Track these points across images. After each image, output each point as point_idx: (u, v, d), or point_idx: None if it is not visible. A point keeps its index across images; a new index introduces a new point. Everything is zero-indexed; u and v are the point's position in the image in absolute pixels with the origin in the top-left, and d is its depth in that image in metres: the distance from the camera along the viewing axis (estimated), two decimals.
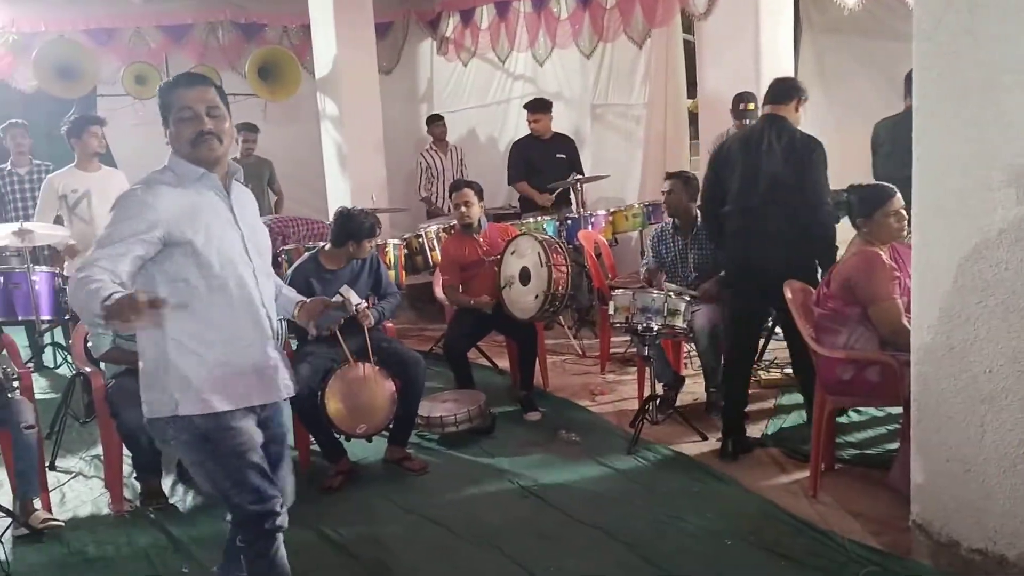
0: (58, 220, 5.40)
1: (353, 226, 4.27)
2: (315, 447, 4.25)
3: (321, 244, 4.66)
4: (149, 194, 2.35)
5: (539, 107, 7.01)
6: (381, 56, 8.38)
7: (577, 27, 7.78)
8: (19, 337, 5.38)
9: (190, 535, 3.60)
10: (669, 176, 5.01)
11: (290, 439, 2.73)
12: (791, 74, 6.61)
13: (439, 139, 8.11)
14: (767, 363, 5.35)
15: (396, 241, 6.02)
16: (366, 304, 4.30)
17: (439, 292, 5.34)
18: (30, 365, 5.92)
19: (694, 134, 7.57)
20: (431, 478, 4.11)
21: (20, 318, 5.06)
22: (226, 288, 2.41)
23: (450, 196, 5.18)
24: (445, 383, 5.15)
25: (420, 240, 6.06)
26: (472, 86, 9.04)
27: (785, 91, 4.10)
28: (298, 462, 4.31)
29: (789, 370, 5.11)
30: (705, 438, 4.28)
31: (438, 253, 5.81)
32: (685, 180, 4.88)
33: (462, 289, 5.07)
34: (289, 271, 4.46)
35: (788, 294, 3.77)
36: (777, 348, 5.62)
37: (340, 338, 4.10)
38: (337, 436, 4.10)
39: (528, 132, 7.16)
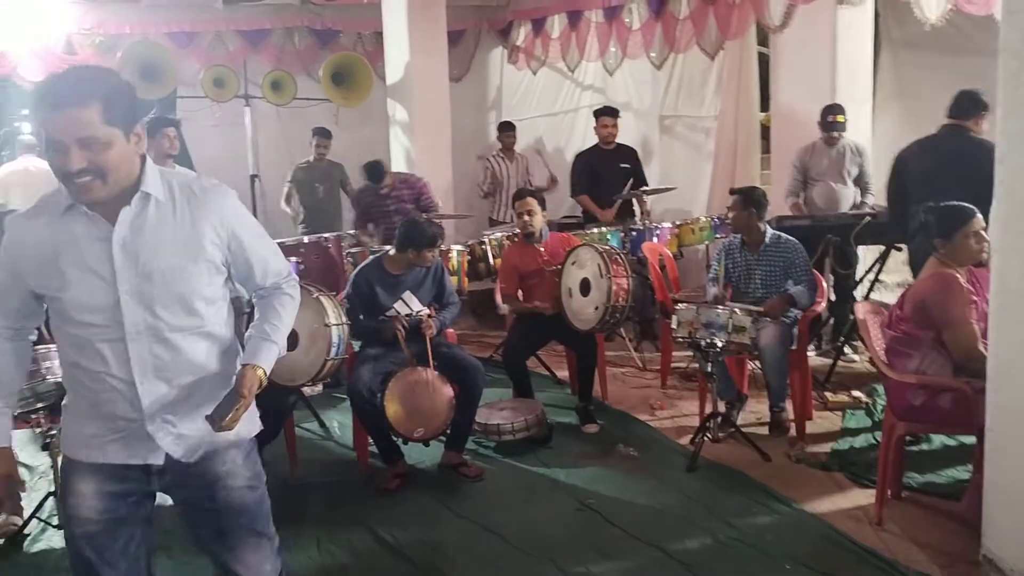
0: None
1: (415, 233, 4.31)
2: (373, 449, 4.28)
3: (387, 248, 4.70)
4: (13, 229, 1.98)
5: (610, 112, 6.97)
6: (452, 64, 8.46)
7: (649, 37, 7.73)
8: None
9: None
10: (733, 192, 4.93)
11: (262, 506, 2.22)
12: (869, 89, 6.50)
13: (507, 147, 8.13)
14: (835, 384, 5.23)
15: (460, 247, 6.05)
16: (428, 312, 4.33)
17: (500, 300, 5.34)
18: None
19: (765, 148, 7.46)
20: (486, 485, 4.10)
21: None
22: (78, 366, 1.98)
23: (513, 205, 5.18)
24: (503, 391, 5.15)
25: (483, 247, 6.08)
26: (540, 95, 9.06)
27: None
28: (357, 463, 4.38)
29: (856, 392, 5.02)
30: (768, 459, 4.19)
31: (500, 260, 5.82)
32: (750, 196, 4.78)
33: (523, 297, 5.07)
34: (352, 274, 4.52)
35: (859, 315, 3.68)
36: (844, 370, 5.51)
37: (402, 342, 4.13)
38: (395, 439, 4.13)
39: (593, 143, 7.13)
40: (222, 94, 7.70)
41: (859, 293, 5.74)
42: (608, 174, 6.83)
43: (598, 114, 7.03)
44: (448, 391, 4.15)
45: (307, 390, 4.87)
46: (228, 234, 2.04)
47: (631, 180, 6.78)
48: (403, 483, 4.09)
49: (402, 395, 4.08)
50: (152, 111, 7.57)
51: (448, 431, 4.21)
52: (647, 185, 6.85)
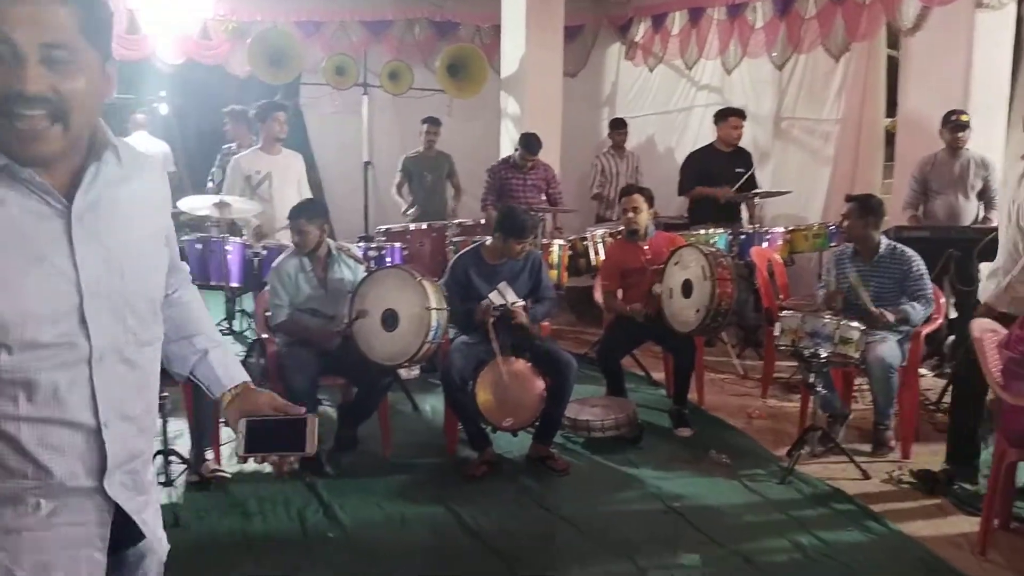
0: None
1: (509, 223, 4.32)
2: (463, 435, 4.33)
3: (486, 238, 4.74)
4: None
5: (740, 114, 6.76)
6: (568, 59, 8.46)
7: (771, 37, 7.52)
8: (216, 301, 5.81)
9: (340, 503, 3.76)
10: (849, 199, 4.74)
11: None
12: (1004, 100, 6.15)
13: (618, 144, 8.07)
14: (946, 405, 4.97)
15: (561, 242, 6.04)
16: (523, 303, 4.35)
17: (599, 296, 5.31)
18: (221, 327, 6.41)
19: (889, 155, 7.15)
20: (572, 480, 4.10)
21: (213, 283, 5.48)
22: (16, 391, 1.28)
23: (620, 200, 5.14)
24: (596, 388, 5.12)
25: (585, 243, 6.05)
26: (656, 93, 8.94)
27: None
28: (446, 447, 4.45)
29: None
30: (867, 476, 4.03)
31: (602, 257, 5.79)
32: (866, 204, 4.57)
33: (622, 296, 5.02)
34: (451, 261, 4.57)
35: (975, 333, 3.49)
36: None
37: (492, 332, 4.16)
38: (484, 427, 4.17)
39: (708, 143, 6.98)
40: (342, 82, 7.92)
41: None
42: (721, 177, 6.65)
43: (727, 114, 6.81)
44: (540, 384, 4.16)
45: (404, 373, 4.97)
46: (168, 216, 1.56)
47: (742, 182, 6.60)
48: (490, 471, 4.12)
49: (494, 384, 4.11)
50: (276, 96, 7.90)
51: (537, 423, 4.22)
52: (759, 189, 6.66)
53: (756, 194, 6.26)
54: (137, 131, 9.14)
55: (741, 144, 6.95)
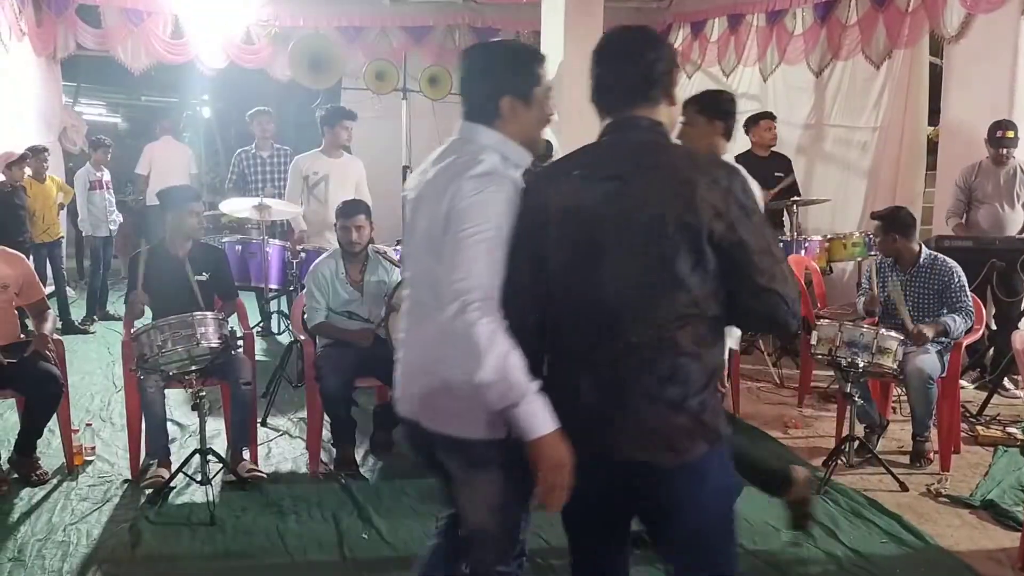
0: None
1: None
2: None
3: None
4: None
5: (772, 116, 6.67)
6: None
7: (811, 43, 7.47)
8: (251, 302, 5.90)
9: (374, 504, 3.80)
10: (874, 217, 4.68)
11: None
12: None
13: None
14: (987, 418, 4.90)
15: None
16: None
17: None
18: (257, 328, 6.50)
19: (931, 164, 7.05)
20: None
21: (252, 284, 5.57)
22: None
23: None
24: None
25: None
26: None
27: None
28: None
29: (1012, 428, 4.69)
30: (905, 489, 3.98)
31: None
32: (892, 221, 4.49)
33: None
34: None
35: (1017, 345, 3.44)
36: (1000, 404, 5.17)
37: None
38: None
39: (745, 149, 6.91)
40: (382, 87, 7.99)
41: None
42: (761, 182, 6.56)
43: (757, 119, 6.74)
44: None
45: None
46: None
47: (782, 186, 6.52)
48: None
49: None
50: (318, 101, 8.01)
51: None
52: (800, 196, 6.59)
53: (795, 202, 6.19)
54: (163, 136, 9.40)
55: (780, 150, 6.89)
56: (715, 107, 3.23)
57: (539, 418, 1.78)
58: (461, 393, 1.86)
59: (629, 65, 1.94)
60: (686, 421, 1.81)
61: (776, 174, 6.59)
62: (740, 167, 1.99)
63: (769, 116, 6.71)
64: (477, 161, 1.92)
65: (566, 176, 1.94)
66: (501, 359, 1.76)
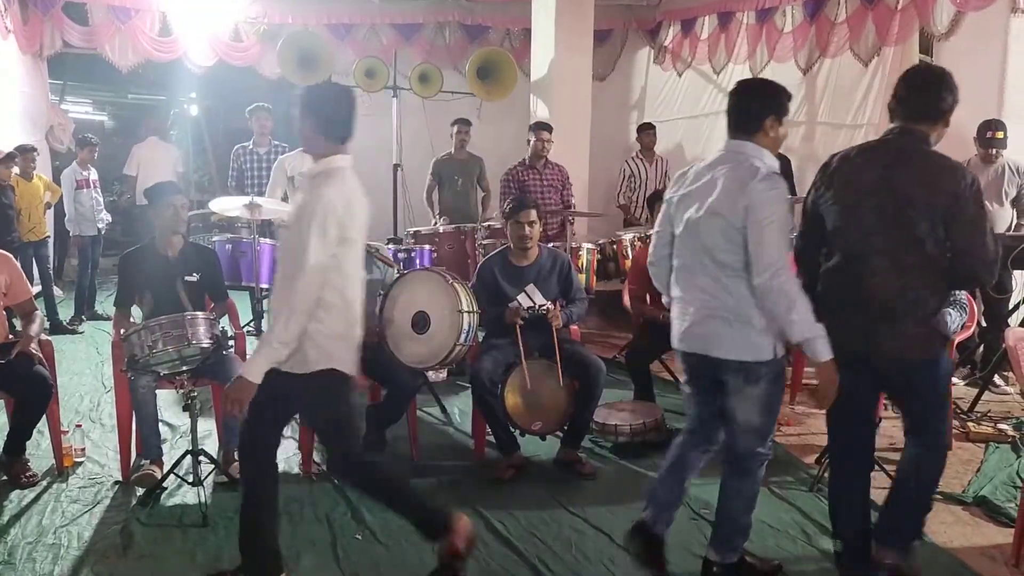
0: (284, 198, 5.86)
1: (508, 207, 4.44)
2: (491, 438, 4.34)
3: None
4: None
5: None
6: (597, 63, 8.46)
7: (800, 41, 7.49)
8: (242, 302, 5.85)
9: (367, 504, 3.77)
10: None
11: None
12: None
13: (647, 148, 8.05)
14: (979, 415, 4.92)
15: (590, 246, 6.04)
16: (551, 306, 4.35)
17: (628, 301, 5.30)
18: (248, 328, 6.46)
19: None
20: (600, 484, 4.09)
21: (243, 283, 5.54)
22: None
23: (653, 205, 5.09)
24: (625, 392, 5.11)
25: (614, 247, 6.04)
26: (684, 97, 8.93)
27: None
28: (474, 450, 4.45)
29: (1003, 424, 4.71)
30: None
31: (631, 261, 5.77)
32: None
33: (650, 301, 5.01)
34: (478, 265, 4.59)
35: (1009, 342, 3.45)
36: (991, 400, 5.20)
37: (519, 336, 4.16)
38: (512, 430, 4.17)
39: None
40: (372, 85, 7.96)
41: (1015, 320, 5.38)
42: None
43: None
44: (569, 388, 4.16)
45: (432, 376, 4.99)
46: None
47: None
48: (517, 474, 4.13)
49: (523, 388, 4.12)
50: None
51: (566, 427, 4.22)
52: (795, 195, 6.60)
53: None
54: (149, 136, 9.38)
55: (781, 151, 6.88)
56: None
57: (824, 350, 2.72)
58: (752, 330, 2.79)
59: (930, 96, 2.86)
60: (928, 332, 2.82)
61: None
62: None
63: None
64: (756, 168, 2.76)
65: (852, 161, 2.91)
66: (804, 306, 2.68)
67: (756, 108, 2.85)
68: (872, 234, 2.80)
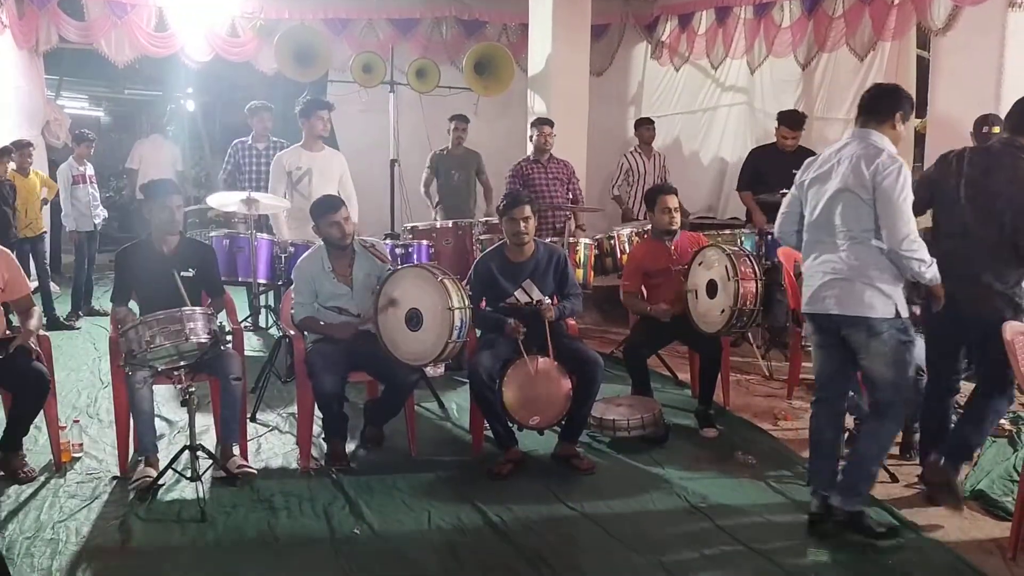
0: (285, 194, 5.84)
1: (502, 203, 4.43)
2: (489, 433, 4.34)
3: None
4: None
5: (797, 124, 6.51)
6: (594, 58, 8.45)
7: (798, 36, 7.48)
8: (240, 297, 5.86)
9: (365, 499, 3.79)
10: None
11: None
12: None
13: (645, 143, 8.05)
14: None
15: (587, 241, 6.03)
16: (548, 302, 4.35)
17: (623, 297, 5.30)
18: (246, 323, 6.46)
19: (918, 156, 7.08)
20: (598, 479, 4.09)
21: (240, 279, 5.53)
22: None
23: (655, 200, 5.02)
24: (622, 387, 5.11)
25: (612, 242, 6.04)
26: (681, 92, 8.93)
27: None
28: (472, 445, 4.46)
29: (1002, 420, 4.71)
30: (895, 480, 4.00)
31: (627, 256, 5.76)
32: None
33: (647, 295, 5.01)
34: (475, 261, 4.59)
35: (1006, 336, 3.45)
36: None
37: (522, 348, 4.17)
38: (511, 425, 4.17)
39: (772, 141, 6.83)
40: (369, 80, 7.95)
41: None
42: (773, 178, 6.43)
43: (789, 126, 6.50)
44: (566, 383, 4.16)
45: (429, 371, 4.99)
46: None
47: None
48: (515, 469, 4.13)
49: (520, 383, 4.12)
50: (304, 94, 7.95)
51: (563, 422, 4.22)
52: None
53: (784, 195, 6.12)
54: (152, 134, 9.39)
55: (771, 141, 6.85)
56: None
57: (937, 280, 3.33)
58: (875, 291, 3.26)
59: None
60: (1008, 299, 3.51)
61: (794, 171, 6.41)
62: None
63: (790, 124, 6.51)
64: (880, 149, 3.29)
65: (964, 158, 3.64)
66: (933, 262, 3.26)
67: (891, 103, 3.37)
68: (969, 221, 3.55)
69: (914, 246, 3.19)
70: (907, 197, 3.21)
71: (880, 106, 3.41)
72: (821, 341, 3.52)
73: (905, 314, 3.31)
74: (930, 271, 3.27)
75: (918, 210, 3.47)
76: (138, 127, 9.60)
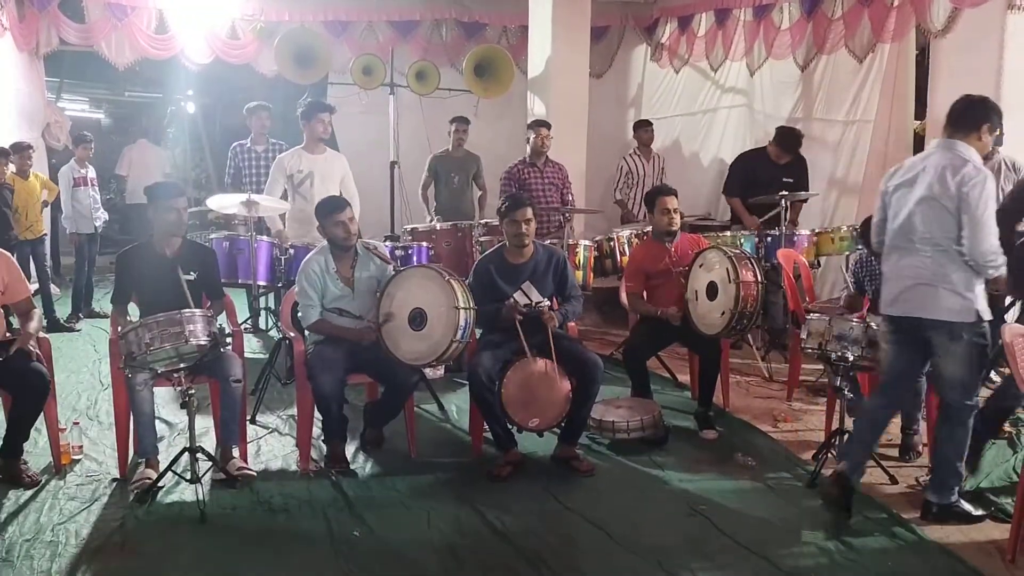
0: (283, 196, 5.84)
1: (502, 205, 4.44)
2: (488, 435, 4.34)
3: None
4: None
5: (791, 148, 6.58)
6: (594, 60, 8.45)
7: (798, 38, 7.47)
8: (239, 299, 5.87)
9: (365, 501, 3.79)
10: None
11: None
12: None
13: (645, 145, 8.05)
14: None
15: (587, 242, 6.03)
16: (547, 303, 4.34)
17: (625, 298, 5.30)
18: (246, 325, 6.46)
19: None
20: (597, 481, 4.10)
21: (240, 281, 5.53)
22: None
23: (655, 201, 5.02)
24: (622, 389, 5.11)
25: (611, 244, 6.04)
26: (681, 94, 8.93)
27: None
28: (471, 447, 4.46)
29: None
30: (895, 481, 4.00)
31: (627, 258, 5.77)
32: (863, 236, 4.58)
33: (647, 298, 5.02)
34: (475, 263, 4.59)
35: (1005, 338, 3.45)
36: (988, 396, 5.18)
37: (520, 331, 4.17)
38: (510, 427, 4.18)
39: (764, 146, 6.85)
40: (369, 82, 7.95)
41: (1011, 316, 5.37)
42: (768, 181, 6.42)
43: (783, 148, 6.61)
44: (566, 384, 4.16)
45: (429, 372, 4.99)
46: None
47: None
48: (515, 471, 4.13)
49: (520, 384, 4.12)
50: (304, 96, 7.96)
51: (563, 424, 4.22)
52: (806, 199, 6.55)
53: (783, 196, 6.14)
54: (139, 139, 9.41)
55: (763, 144, 6.87)
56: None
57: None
58: (957, 297, 3.37)
59: None
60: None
61: (786, 179, 6.41)
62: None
63: (785, 146, 6.59)
64: (965, 160, 3.36)
65: None
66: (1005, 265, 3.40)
67: (979, 114, 3.45)
68: None
69: (996, 259, 3.31)
70: (990, 208, 3.29)
71: (968, 117, 3.47)
72: (896, 339, 3.63)
73: (987, 317, 3.42)
74: (1000, 270, 3.39)
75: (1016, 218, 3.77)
76: (138, 129, 9.59)
